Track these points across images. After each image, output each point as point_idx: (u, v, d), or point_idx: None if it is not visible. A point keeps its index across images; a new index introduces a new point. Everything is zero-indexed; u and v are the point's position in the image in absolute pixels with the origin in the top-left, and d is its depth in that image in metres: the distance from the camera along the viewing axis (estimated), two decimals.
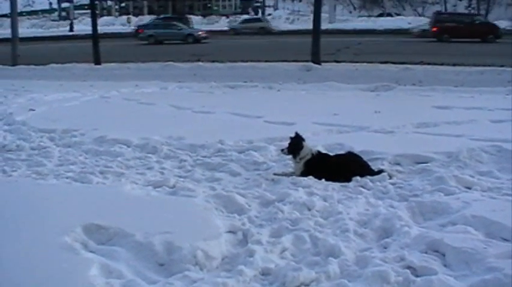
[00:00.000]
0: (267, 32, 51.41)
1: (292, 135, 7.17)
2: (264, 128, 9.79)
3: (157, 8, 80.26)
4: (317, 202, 5.84)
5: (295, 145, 7.09)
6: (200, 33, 45.03)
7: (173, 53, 29.14)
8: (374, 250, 4.67)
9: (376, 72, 19.35)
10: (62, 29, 64.22)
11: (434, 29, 38.69)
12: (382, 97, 14.57)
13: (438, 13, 44.13)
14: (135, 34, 47.18)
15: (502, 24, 46.55)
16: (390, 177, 6.79)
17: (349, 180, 6.66)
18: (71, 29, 61.10)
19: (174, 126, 10.02)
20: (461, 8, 65.44)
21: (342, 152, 7.54)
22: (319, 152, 7.20)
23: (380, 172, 6.91)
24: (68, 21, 65.41)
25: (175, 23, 48.68)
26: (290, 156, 7.17)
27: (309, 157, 7.03)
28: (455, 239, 4.60)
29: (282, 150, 7.25)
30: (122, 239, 4.75)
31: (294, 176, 6.87)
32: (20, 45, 27.28)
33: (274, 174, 7.08)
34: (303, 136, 7.20)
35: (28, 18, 75.14)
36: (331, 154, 7.42)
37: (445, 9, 70.87)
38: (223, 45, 36.52)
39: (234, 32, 52.84)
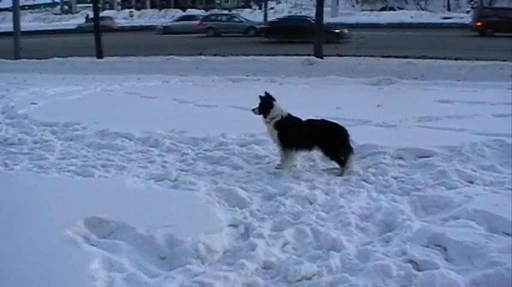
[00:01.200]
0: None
1: (262, 95, 7.14)
2: None
3: (159, 1, 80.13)
4: (319, 196, 5.86)
5: (265, 103, 7.06)
6: (263, 26, 43.16)
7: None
8: (376, 244, 4.68)
9: (378, 66, 19.27)
10: (65, 22, 64.11)
11: (479, 23, 37.77)
12: (385, 91, 14.52)
13: (482, 8, 43.12)
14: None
15: None
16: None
17: (338, 158, 6.76)
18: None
19: (176, 119, 10.02)
20: (464, 2, 65.18)
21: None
22: (289, 115, 7.11)
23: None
24: (70, 15, 65.32)
25: (235, 14, 47.74)
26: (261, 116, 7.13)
27: (278, 118, 7.00)
28: (457, 234, 4.60)
29: (253, 110, 7.18)
30: (123, 233, 4.76)
31: (295, 168, 6.88)
32: (22, 39, 27.23)
33: (277, 167, 7.08)
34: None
35: (30, 12, 75.13)
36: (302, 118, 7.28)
37: (448, 3, 70.70)
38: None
39: None
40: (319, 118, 7.24)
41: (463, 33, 36.55)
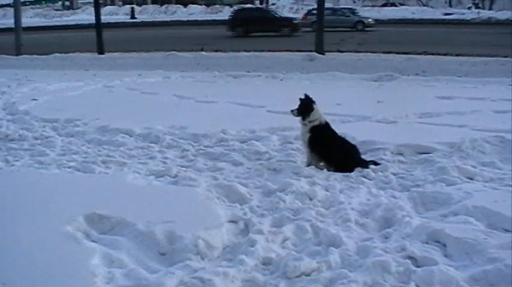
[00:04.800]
0: None
1: (302, 97, 7.08)
2: (267, 117, 9.79)
3: None
4: (319, 192, 5.86)
5: (306, 106, 7.00)
6: (370, 20, 42.37)
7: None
8: (375, 240, 4.68)
9: (379, 62, 19.30)
10: (66, 18, 63.94)
11: None
12: (385, 87, 14.53)
13: None
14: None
15: (505, 15, 46.23)
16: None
17: (351, 170, 6.68)
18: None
19: (177, 115, 10.03)
20: None
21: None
22: (327, 123, 7.10)
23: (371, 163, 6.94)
24: (72, 11, 65.25)
25: (343, 9, 45.84)
26: (299, 118, 7.08)
27: (316, 123, 6.96)
28: (457, 230, 4.61)
29: (292, 111, 7.11)
30: (123, 229, 4.77)
31: (297, 164, 6.88)
32: (23, 35, 27.23)
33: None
34: None
35: (31, 8, 74.96)
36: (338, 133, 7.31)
37: None
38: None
39: None
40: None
41: None
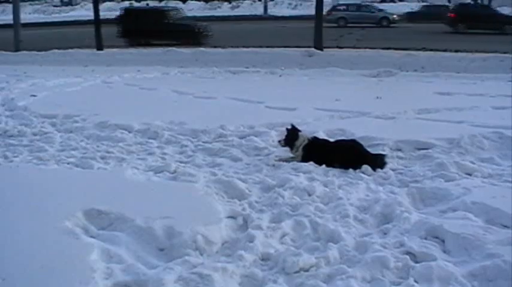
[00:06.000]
0: None
1: (289, 127, 7.19)
2: (266, 113, 9.80)
3: None
4: (317, 188, 5.86)
5: (292, 136, 7.09)
6: (395, 16, 42.04)
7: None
8: (374, 236, 4.69)
9: (378, 58, 19.27)
10: (64, 14, 63.89)
11: None
12: (384, 83, 14.53)
13: None
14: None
15: (505, 10, 46.17)
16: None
17: (353, 167, 6.65)
18: None
19: (176, 111, 10.02)
20: None
21: (343, 138, 7.53)
22: (315, 137, 7.20)
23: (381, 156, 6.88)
24: (70, 7, 65.13)
25: (366, 4, 45.34)
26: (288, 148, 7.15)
27: (305, 142, 7.02)
28: (455, 226, 4.62)
29: (279, 141, 7.23)
30: (122, 224, 4.77)
31: (295, 162, 6.88)
32: (22, 31, 27.18)
33: (279, 159, 7.07)
34: (306, 121, 7.13)
35: (30, 4, 74.77)
36: (331, 139, 7.39)
37: None
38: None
39: None
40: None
41: None
